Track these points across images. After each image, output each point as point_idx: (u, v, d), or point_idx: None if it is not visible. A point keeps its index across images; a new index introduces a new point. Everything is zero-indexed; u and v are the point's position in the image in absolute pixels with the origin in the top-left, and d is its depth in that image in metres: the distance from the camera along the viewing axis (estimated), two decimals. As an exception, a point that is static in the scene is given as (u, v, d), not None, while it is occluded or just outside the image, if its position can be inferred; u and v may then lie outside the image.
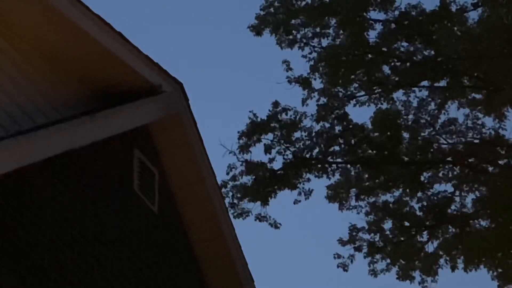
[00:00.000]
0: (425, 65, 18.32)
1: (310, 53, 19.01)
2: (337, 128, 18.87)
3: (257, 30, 18.89)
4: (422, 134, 19.07)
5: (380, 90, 19.18)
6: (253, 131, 18.67)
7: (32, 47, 7.31)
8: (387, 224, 19.23)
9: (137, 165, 8.17)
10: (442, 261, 19.27)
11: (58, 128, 6.64)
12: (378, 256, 19.29)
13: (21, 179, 6.11)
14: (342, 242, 19.21)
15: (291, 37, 18.90)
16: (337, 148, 18.88)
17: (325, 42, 18.90)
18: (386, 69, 18.89)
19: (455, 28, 17.96)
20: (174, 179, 8.83)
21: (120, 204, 7.68)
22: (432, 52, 18.41)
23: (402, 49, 18.61)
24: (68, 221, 6.68)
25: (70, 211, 6.75)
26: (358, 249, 19.17)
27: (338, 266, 19.05)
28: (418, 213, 19.13)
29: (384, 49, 18.62)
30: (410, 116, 19.18)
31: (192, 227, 9.03)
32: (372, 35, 18.54)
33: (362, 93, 19.31)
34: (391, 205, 19.19)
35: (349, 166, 19.17)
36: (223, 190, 18.49)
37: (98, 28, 7.43)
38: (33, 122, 7.04)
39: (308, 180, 18.97)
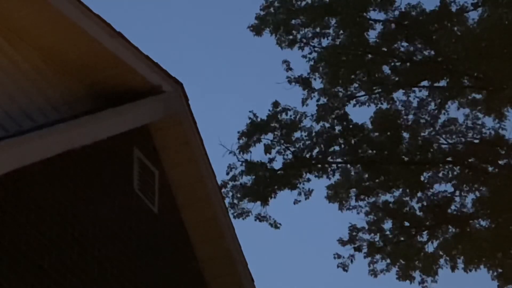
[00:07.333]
0: (425, 65, 18.33)
1: (310, 53, 19.05)
2: (337, 128, 18.87)
3: (257, 30, 18.92)
4: (422, 134, 19.07)
5: (380, 90, 19.18)
6: (253, 131, 18.67)
7: (32, 47, 7.31)
8: (387, 224, 19.26)
9: (137, 165, 8.16)
10: (442, 261, 19.28)
11: (58, 128, 6.64)
12: (378, 256, 19.29)
13: (21, 179, 6.11)
14: (342, 242, 19.21)
15: (291, 37, 18.91)
16: (337, 148, 18.88)
17: (325, 42, 18.95)
18: (386, 69, 18.91)
19: (455, 28, 17.97)
20: (174, 179, 8.83)
21: (120, 204, 7.67)
22: (432, 52, 18.42)
23: (402, 49, 18.63)
24: (68, 221, 6.67)
25: (70, 211, 6.74)
26: (358, 249, 19.17)
27: (338, 266, 19.06)
28: (418, 213, 19.13)
29: (384, 49, 18.62)
30: (410, 116, 19.21)
31: (192, 227, 9.03)
32: (372, 35, 18.58)
33: (362, 93, 19.32)
34: (391, 205, 19.19)
35: (349, 166, 19.17)
36: (223, 190, 18.49)
37: (98, 28, 7.44)
38: (33, 122, 7.04)
39: (308, 180, 18.99)
